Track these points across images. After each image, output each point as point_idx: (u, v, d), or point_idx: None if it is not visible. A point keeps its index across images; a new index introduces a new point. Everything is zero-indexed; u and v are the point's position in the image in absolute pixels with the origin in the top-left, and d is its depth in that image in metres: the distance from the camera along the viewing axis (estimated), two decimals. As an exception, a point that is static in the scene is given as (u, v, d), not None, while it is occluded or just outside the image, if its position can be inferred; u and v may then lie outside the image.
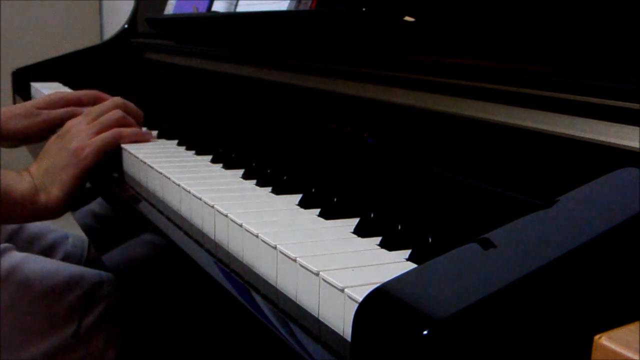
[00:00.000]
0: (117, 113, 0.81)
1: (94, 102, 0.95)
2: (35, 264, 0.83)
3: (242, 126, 0.90)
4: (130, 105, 0.85)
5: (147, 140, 0.82)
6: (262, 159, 0.67)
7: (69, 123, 0.82)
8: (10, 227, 0.97)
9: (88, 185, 0.77)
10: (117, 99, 0.84)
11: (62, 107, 0.97)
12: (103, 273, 0.87)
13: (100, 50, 1.47)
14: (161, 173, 0.64)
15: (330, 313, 0.38)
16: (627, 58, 0.44)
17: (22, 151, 1.44)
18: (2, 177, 0.72)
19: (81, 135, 0.78)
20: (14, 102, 1.47)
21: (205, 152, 0.75)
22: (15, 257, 0.82)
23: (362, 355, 0.31)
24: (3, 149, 1.05)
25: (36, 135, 0.97)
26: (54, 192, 0.75)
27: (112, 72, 1.47)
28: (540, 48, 0.51)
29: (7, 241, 0.90)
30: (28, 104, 0.98)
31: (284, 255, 0.43)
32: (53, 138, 0.81)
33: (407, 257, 0.42)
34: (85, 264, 1.01)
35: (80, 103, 0.97)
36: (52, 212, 0.75)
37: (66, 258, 1.02)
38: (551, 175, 0.46)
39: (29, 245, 0.99)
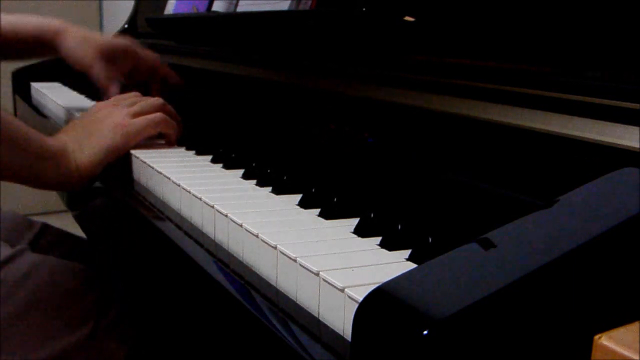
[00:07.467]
0: (158, 100, 0.81)
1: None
2: (51, 266, 0.82)
3: (242, 126, 0.90)
4: (170, 108, 0.83)
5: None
6: (262, 159, 0.67)
7: (100, 104, 0.81)
8: (19, 228, 0.96)
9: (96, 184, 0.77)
10: (159, 99, 0.83)
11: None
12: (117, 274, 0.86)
13: (100, 50, 1.46)
14: (161, 173, 0.64)
15: (330, 313, 0.38)
16: (627, 58, 0.44)
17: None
18: (34, 133, 0.71)
19: (121, 113, 0.77)
20: (14, 103, 1.47)
21: (205, 152, 0.75)
22: (32, 259, 0.81)
23: (362, 355, 0.31)
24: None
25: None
26: (84, 159, 0.74)
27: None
28: (540, 48, 0.51)
29: (16, 243, 0.90)
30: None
31: (284, 255, 0.43)
32: (81, 115, 0.81)
33: (407, 257, 0.42)
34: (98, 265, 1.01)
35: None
36: (78, 179, 0.74)
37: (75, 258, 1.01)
38: (551, 175, 0.46)
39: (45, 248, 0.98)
